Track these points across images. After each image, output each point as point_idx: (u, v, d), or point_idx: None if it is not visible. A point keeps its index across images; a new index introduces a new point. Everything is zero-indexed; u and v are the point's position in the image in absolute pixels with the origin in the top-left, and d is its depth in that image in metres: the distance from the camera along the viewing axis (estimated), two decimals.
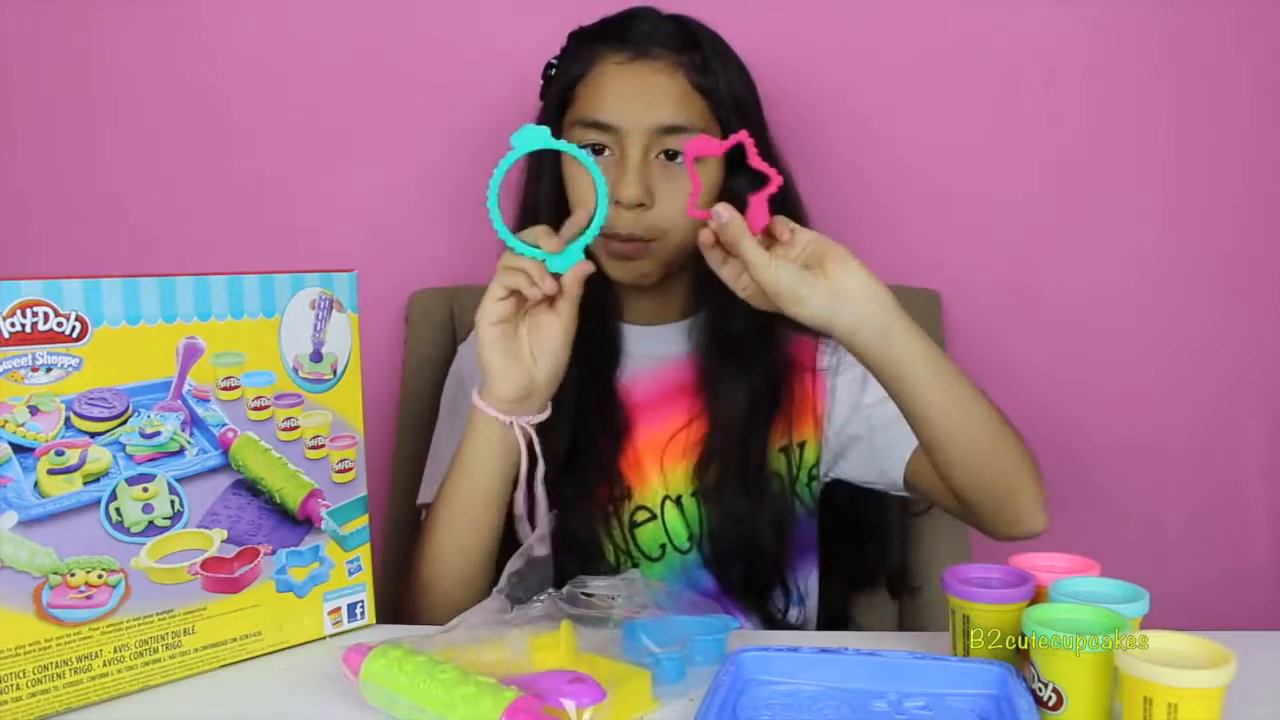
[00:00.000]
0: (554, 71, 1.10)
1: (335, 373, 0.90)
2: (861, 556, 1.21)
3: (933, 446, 0.94)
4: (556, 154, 1.02)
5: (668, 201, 1.01)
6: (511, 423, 0.91)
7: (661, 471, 1.08)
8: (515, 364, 0.90)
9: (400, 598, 1.02)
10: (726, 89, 1.03)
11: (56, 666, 0.75)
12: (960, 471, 0.94)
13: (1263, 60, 1.33)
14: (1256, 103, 1.33)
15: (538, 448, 0.92)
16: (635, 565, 1.07)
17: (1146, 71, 1.34)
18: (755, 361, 1.07)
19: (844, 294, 0.85)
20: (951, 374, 0.91)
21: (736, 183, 1.00)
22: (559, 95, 1.06)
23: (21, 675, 0.74)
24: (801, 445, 1.10)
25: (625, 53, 1.02)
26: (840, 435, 1.10)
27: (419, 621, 0.97)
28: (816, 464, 1.11)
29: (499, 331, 0.90)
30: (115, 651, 0.78)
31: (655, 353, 1.11)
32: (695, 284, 1.10)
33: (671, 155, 1.01)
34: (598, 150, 1.01)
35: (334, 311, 0.89)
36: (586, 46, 1.05)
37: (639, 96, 1.00)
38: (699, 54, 1.03)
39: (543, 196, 1.07)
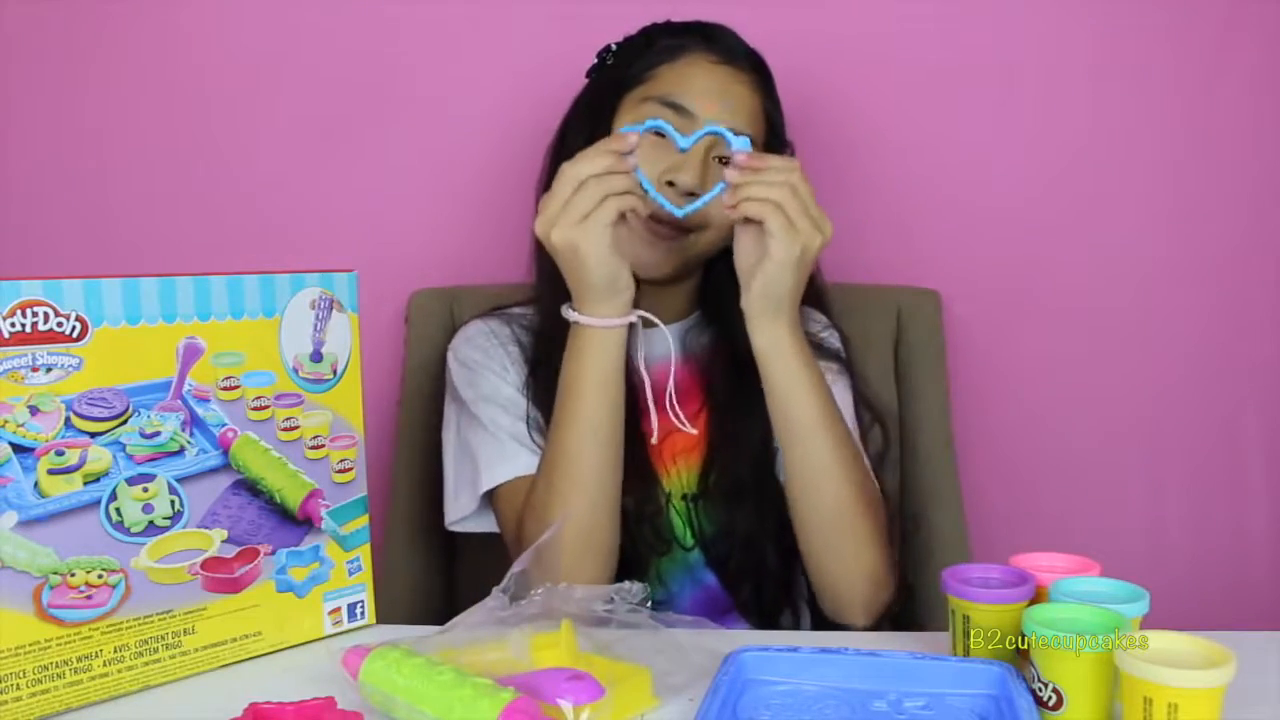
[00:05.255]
0: (610, 57, 1.11)
1: (335, 373, 0.90)
2: None
3: (792, 471, 0.97)
4: (593, 137, 1.02)
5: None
6: (628, 319, 0.94)
7: (665, 469, 1.08)
8: (620, 257, 0.91)
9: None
10: (779, 120, 1.10)
11: (56, 666, 0.75)
12: (807, 515, 0.98)
13: (1262, 60, 1.33)
14: (1257, 102, 1.33)
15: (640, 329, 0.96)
16: (643, 559, 1.06)
17: (1146, 71, 1.34)
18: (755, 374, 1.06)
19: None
20: (832, 414, 0.96)
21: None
22: (626, 71, 1.07)
23: (21, 675, 0.74)
24: None
25: (715, 54, 1.05)
26: None
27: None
28: None
29: (609, 235, 0.90)
30: (115, 651, 0.78)
31: (654, 352, 1.10)
32: (698, 290, 1.12)
33: (723, 159, 1.03)
34: (660, 134, 1.01)
35: (334, 311, 0.89)
36: (674, 38, 1.08)
37: (724, 96, 1.03)
38: (770, 82, 1.09)
39: None
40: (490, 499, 1.06)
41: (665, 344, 1.10)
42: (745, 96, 1.05)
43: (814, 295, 1.15)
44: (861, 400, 1.14)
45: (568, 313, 0.95)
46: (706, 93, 1.02)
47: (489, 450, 1.06)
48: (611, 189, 0.89)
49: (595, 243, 0.89)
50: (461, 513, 1.07)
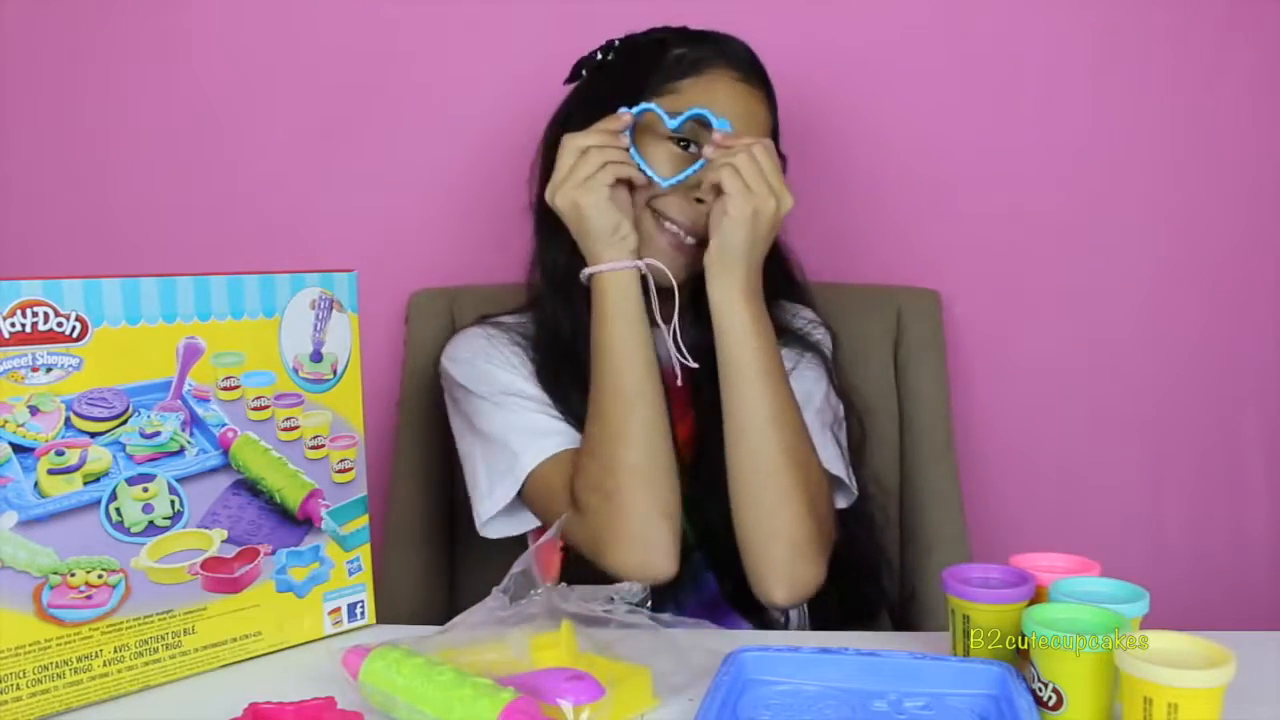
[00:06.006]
0: (613, 54, 1.11)
1: (335, 373, 0.90)
2: (857, 593, 1.16)
3: (726, 422, 1.00)
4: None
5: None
6: (638, 266, 1.02)
7: None
8: (619, 211, 1.01)
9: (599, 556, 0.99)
10: (778, 133, 1.11)
11: (56, 666, 0.75)
12: (733, 469, 1.00)
13: (1262, 60, 1.33)
14: (1257, 102, 1.33)
15: (652, 286, 1.03)
16: None
17: (1147, 71, 1.34)
18: None
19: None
20: (780, 377, 1.00)
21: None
22: (642, 77, 1.07)
23: (21, 675, 0.74)
24: None
25: (736, 70, 1.07)
26: None
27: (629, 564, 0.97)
28: None
29: (608, 193, 1.00)
30: (115, 651, 0.78)
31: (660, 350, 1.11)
32: (689, 296, 1.11)
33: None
34: (684, 144, 1.04)
35: (334, 311, 0.89)
36: (691, 48, 1.08)
37: (745, 115, 1.05)
38: (774, 93, 1.11)
39: None
40: (526, 485, 1.05)
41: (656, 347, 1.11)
42: (760, 111, 1.08)
43: (791, 288, 1.15)
44: (838, 392, 1.14)
45: (584, 272, 1.02)
46: (734, 113, 1.03)
47: (527, 430, 1.06)
48: (609, 157, 1.00)
49: (594, 199, 0.99)
50: (498, 505, 1.05)
